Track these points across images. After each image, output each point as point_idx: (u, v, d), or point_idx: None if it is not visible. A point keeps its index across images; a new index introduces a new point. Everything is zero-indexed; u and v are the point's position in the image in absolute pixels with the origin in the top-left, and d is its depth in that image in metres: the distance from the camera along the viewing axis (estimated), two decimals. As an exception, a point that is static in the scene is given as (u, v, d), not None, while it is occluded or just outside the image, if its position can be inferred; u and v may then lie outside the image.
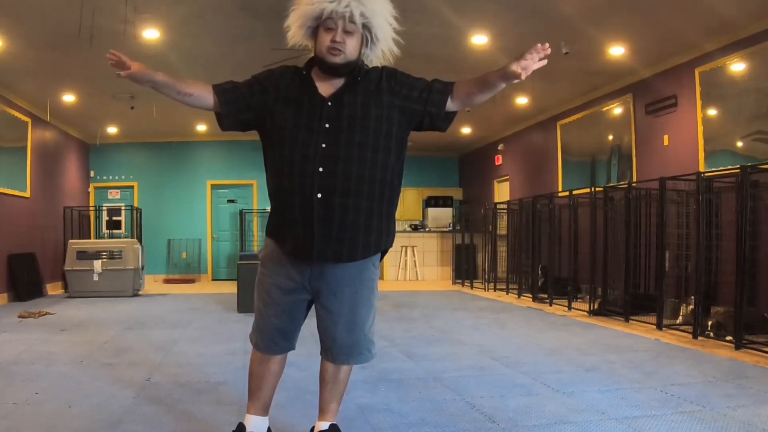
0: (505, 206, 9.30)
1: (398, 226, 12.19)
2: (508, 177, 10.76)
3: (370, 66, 2.08)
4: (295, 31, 2.01)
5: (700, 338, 4.65)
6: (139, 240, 9.77)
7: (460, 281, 10.12)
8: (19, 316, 5.87)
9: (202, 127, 10.51)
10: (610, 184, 7.10)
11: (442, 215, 12.55)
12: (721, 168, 5.30)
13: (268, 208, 2.13)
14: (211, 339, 4.75)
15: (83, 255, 8.09)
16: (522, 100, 8.40)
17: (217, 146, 11.56)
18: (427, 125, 2.07)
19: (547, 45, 1.84)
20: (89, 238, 10.24)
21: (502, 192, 11.07)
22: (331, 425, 2.14)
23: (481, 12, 5.25)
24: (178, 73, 7.12)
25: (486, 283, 9.27)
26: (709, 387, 3.16)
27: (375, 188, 1.97)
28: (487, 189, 11.62)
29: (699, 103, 5.89)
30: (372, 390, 3.14)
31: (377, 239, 2.03)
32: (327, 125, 1.95)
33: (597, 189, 6.45)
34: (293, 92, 2.02)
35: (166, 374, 3.47)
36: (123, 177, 11.43)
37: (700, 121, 5.88)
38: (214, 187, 11.74)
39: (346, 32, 1.94)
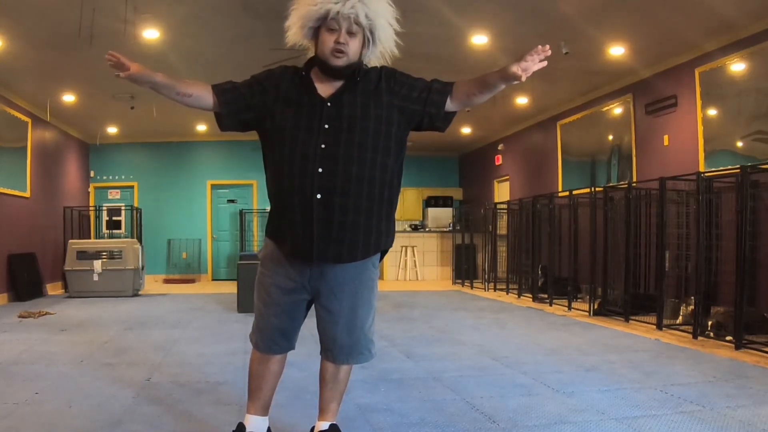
0: (505, 206, 9.30)
1: (398, 226, 12.19)
2: (508, 177, 10.76)
3: (369, 66, 2.08)
4: (295, 31, 2.01)
5: (700, 338, 4.65)
6: (139, 240, 9.77)
7: (460, 281, 10.12)
8: (19, 316, 5.87)
9: (202, 127, 10.51)
10: (610, 184, 7.10)
11: (442, 215, 12.55)
12: (721, 168, 5.30)
13: (268, 208, 2.13)
14: (211, 339, 4.75)
15: (83, 255, 8.09)
16: (522, 100, 8.40)
17: (217, 146, 11.56)
18: (427, 125, 2.07)
19: (547, 47, 1.84)
20: (89, 238, 10.25)
21: (502, 192, 11.07)
22: (331, 425, 2.14)
23: (481, 12, 5.25)
24: (178, 73, 7.14)
25: (486, 283, 9.27)
26: (709, 387, 3.16)
27: (375, 188, 1.97)
28: (487, 189, 11.62)
29: (699, 103, 5.89)
30: (372, 390, 3.14)
31: (377, 239, 2.03)
32: (326, 126, 1.95)
33: (597, 189, 6.45)
34: (293, 93, 2.01)
35: (166, 374, 3.47)
36: (123, 177, 11.43)
37: (700, 121, 5.88)
38: (214, 187, 11.74)
39: (350, 33, 1.94)
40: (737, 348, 4.18)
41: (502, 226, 9.35)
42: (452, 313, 6.40)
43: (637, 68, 6.65)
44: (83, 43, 5.52)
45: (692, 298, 5.04)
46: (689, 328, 4.86)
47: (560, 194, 7.57)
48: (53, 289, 8.78)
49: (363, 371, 3.47)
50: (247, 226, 11.31)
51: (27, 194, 8.13)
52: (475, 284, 9.65)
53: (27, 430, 2.45)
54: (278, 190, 2.01)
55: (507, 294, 8.47)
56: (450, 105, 2.02)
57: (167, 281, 11.03)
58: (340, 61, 1.95)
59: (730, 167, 5.11)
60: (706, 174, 5.11)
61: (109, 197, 11.41)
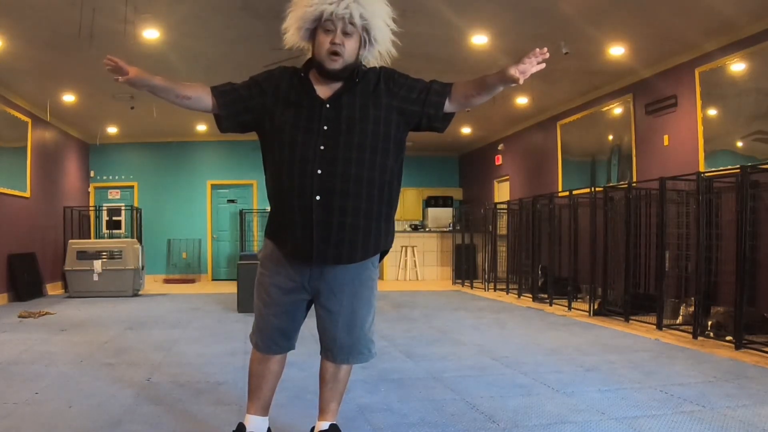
0: (505, 206, 9.30)
1: (398, 226, 12.20)
2: (508, 177, 10.76)
3: (368, 66, 2.08)
4: (292, 33, 2.01)
5: (700, 338, 4.65)
6: (139, 240, 9.77)
7: (460, 281, 10.12)
8: (19, 316, 5.87)
9: (202, 127, 10.51)
10: (610, 184, 7.10)
11: (442, 215, 12.55)
12: (721, 168, 5.30)
13: (268, 209, 2.13)
14: (211, 339, 4.75)
15: (83, 255, 8.09)
16: (522, 100, 8.40)
17: (217, 146, 11.56)
18: (425, 126, 2.07)
19: (545, 49, 1.84)
20: (89, 238, 10.25)
21: (502, 192, 11.07)
22: (331, 425, 2.14)
23: (481, 12, 5.25)
24: (178, 73, 7.15)
25: (486, 283, 9.27)
26: (709, 387, 3.16)
27: (374, 190, 1.97)
28: (487, 189, 11.62)
29: (699, 103, 5.89)
30: (372, 390, 3.14)
31: (376, 240, 2.03)
32: (325, 127, 1.95)
33: (597, 189, 6.45)
34: (292, 94, 2.01)
35: (166, 374, 3.47)
36: (123, 177, 11.43)
37: (700, 121, 5.88)
38: (214, 187, 11.74)
39: (345, 34, 1.94)
40: (737, 348, 4.18)
41: (502, 226, 9.35)
42: (452, 313, 6.40)
43: (637, 68, 6.65)
44: (83, 43, 5.53)
45: (692, 298, 5.04)
46: (689, 328, 4.86)
47: (560, 194, 7.57)
48: (53, 289, 8.78)
49: (363, 371, 3.47)
50: (247, 226, 11.31)
51: (27, 194, 8.13)
52: (475, 284, 9.65)
53: (27, 430, 2.45)
54: (278, 192, 2.01)
55: (507, 294, 8.47)
56: (448, 106, 2.02)
57: (167, 281, 11.03)
58: (336, 64, 1.95)
59: (730, 167, 5.11)
60: (706, 174, 5.11)
61: (109, 197, 11.41)
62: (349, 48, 1.96)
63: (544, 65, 1.87)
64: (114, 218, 10.92)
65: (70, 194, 10.01)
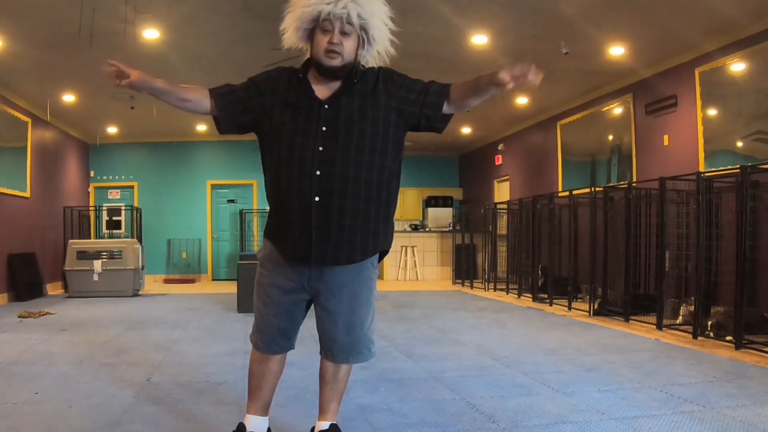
0: (505, 206, 9.30)
1: (398, 226, 12.20)
2: (508, 177, 10.76)
3: (366, 66, 2.08)
4: (291, 33, 2.01)
5: (700, 338, 4.65)
6: (139, 240, 9.77)
7: (460, 281, 10.12)
8: (19, 316, 5.87)
9: (202, 127, 10.51)
10: (610, 184, 7.10)
11: (442, 215, 12.55)
12: (721, 168, 5.30)
13: (268, 209, 2.13)
14: (211, 339, 4.75)
15: (83, 255, 8.09)
16: (522, 100, 8.40)
17: (217, 146, 11.56)
18: (424, 126, 2.07)
19: (540, 74, 1.82)
20: (89, 238, 10.25)
21: (502, 192, 11.07)
22: (332, 425, 2.14)
23: (481, 12, 5.25)
24: (178, 73, 7.14)
25: (486, 283, 9.27)
26: (709, 387, 3.16)
27: (372, 191, 1.98)
28: (487, 189, 11.62)
29: (699, 103, 5.89)
30: (372, 390, 3.14)
31: (374, 241, 2.03)
32: (324, 128, 1.95)
33: (597, 189, 6.45)
34: (291, 95, 2.01)
35: (166, 374, 3.47)
36: (123, 177, 11.43)
37: (700, 121, 5.88)
38: (214, 187, 11.74)
39: (343, 34, 1.94)
40: (737, 348, 4.18)
41: (502, 226, 9.35)
42: (452, 313, 6.40)
43: (637, 68, 6.65)
44: (83, 43, 5.52)
45: (692, 298, 5.04)
46: (689, 328, 4.85)
47: (560, 194, 7.57)
48: (53, 289, 8.78)
49: (363, 371, 3.47)
50: (247, 226, 11.31)
51: (27, 194, 8.13)
52: (475, 284, 9.65)
53: (27, 430, 2.45)
54: (277, 193, 2.02)
55: (507, 294, 8.47)
56: (447, 107, 2.02)
57: (167, 281, 11.03)
58: (334, 62, 1.95)
59: (730, 167, 5.11)
60: (706, 174, 5.11)
61: (109, 197, 11.41)
62: (348, 47, 1.96)
63: (536, 81, 1.83)
64: (114, 218, 10.92)
65: (70, 194, 10.01)
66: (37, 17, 5.11)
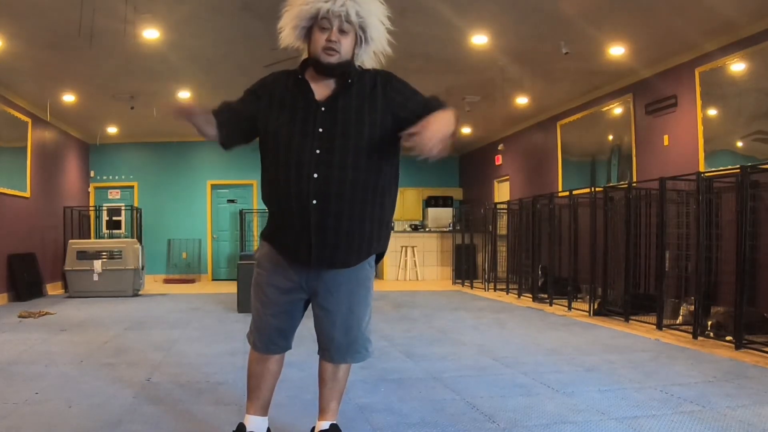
0: (505, 206, 9.30)
1: (398, 226, 12.22)
2: (508, 177, 10.76)
3: (363, 66, 2.08)
4: (288, 32, 2.01)
5: (700, 338, 4.65)
6: (139, 240, 9.77)
7: (460, 281, 10.12)
8: (19, 316, 5.87)
9: (202, 127, 10.49)
10: (610, 184, 7.10)
11: (442, 215, 12.55)
12: (721, 168, 5.30)
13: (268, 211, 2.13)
14: (211, 339, 4.75)
15: (83, 255, 8.09)
16: (522, 100, 8.40)
17: (217, 146, 11.45)
18: None
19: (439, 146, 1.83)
20: (89, 238, 10.25)
21: (502, 192, 11.07)
22: (332, 425, 2.14)
23: (481, 12, 5.25)
24: (178, 73, 7.13)
25: (486, 283, 9.27)
26: (709, 387, 3.16)
27: (369, 194, 1.98)
28: (487, 189, 11.62)
29: (699, 103, 5.89)
30: (372, 390, 3.14)
31: (370, 245, 2.04)
32: (321, 129, 1.94)
33: (597, 189, 6.45)
34: (288, 97, 2.01)
35: (166, 374, 3.47)
36: (123, 177, 11.43)
37: (700, 121, 5.88)
38: (214, 187, 11.74)
39: (341, 32, 1.94)
40: (737, 348, 4.18)
41: (502, 226, 9.35)
42: (452, 313, 6.40)
43: (637, 68, 6.65)
44: (83, 43, 5.53)
45: (692, 298, 5.04)
46: (689, 328, 4.85)
47: (560, 194, 7.57)
48: (53, 289, 8.78)
49: (363, 371, 3.47)
50: (247, 226, 11.31)
51: (27, 194, 8.13)
52: (475, 284, 9.65)
53: (27, 430, 2.45)
54: (274, 195, 2.02)
55: (507, 294, 8.47)
56: None
57: (167, 281, 11.03)
58: (332, 59, 1.95)
59: (730, 167, 5.11)
60: (706, 174, 5.11)
61: (109, 197, 11.41)
62: (345, 46, 1.96)
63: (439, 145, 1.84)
64: (114, 218, 10.92)
65: (70, 194, 10.01)
66: (37, 17, 5.11)
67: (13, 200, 7.72)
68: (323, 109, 1.97)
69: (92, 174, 11.27)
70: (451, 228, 11.67)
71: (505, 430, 2.52)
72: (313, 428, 2.18)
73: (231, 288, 8.16)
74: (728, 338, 4.42)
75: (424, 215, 12.82)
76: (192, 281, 11.12)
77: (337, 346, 2.08)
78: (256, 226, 11.40)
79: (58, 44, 5.78)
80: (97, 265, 8.02)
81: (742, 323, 4.22)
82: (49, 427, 2.48)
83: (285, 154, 1.96)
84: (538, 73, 7.02)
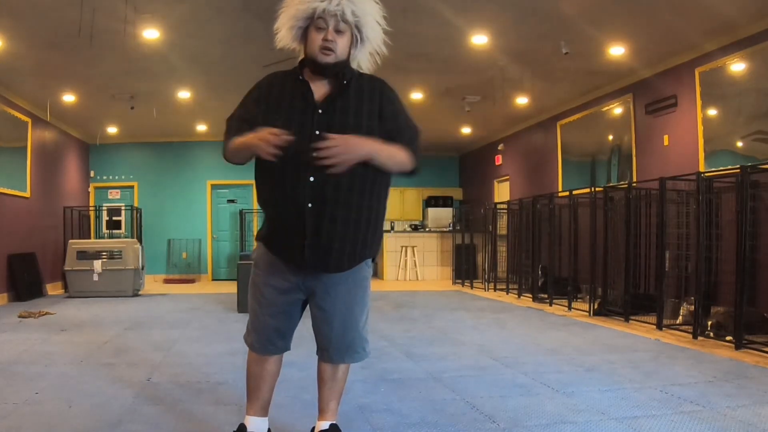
0: (505, 206, 9.30)
1: (398, 226, 12.24)
2: (508, 177, 10.76)
3: (360, 68, 2.07)
4: (284, 33, 2.00)
5: (700, 338, 4.65)
6: (139, 240, 9.77)
7: (460, 281, 10.12)
8: (19, 316, 5.87)
9: (202, 127, 10.51)
10: (610, 184, 7.10)
11: (442, 215, 12.55)
12: (721, 168, 5.30)
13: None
14: (211, 339, 4.75)
15: (83, 255, 8.09)
16: (522, 100, 8.40)
17: (217, 146, 11.40)
18: None
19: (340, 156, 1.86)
20: (89, 238, 10.25)
21: (502, 192, 11.07)
22: (332, 425, 2.14)
23: (481, 12, 5.25)
24: (178, 73, 7.12)
25: (486, 283, 9.27)
26: (709, 387, 3.16)
27: (363, 199, 1.98)
28: (487, 189, 11.62)
29: (699, 103, 5.89)
30: (372, 390, 3.14)
31: (362, 250, 2.03)
32: (318, 132, 1.93)
33: (597, 189, 6.45)
34: (286, 98, 2.00)
35: (166, 374, 3.47)
36: (123, 177, 11.43)
37: (700, 121, 5.88)
38: (214, 187, 11.74)
39: (338, 31, 1.94)
40: (737, 348, 4.18)
41: (502, 226, 9.35)
42: (452, 313, 6.40)
43: (637, 68, 6.66)
44: (83, 43, 5.53)
45: (692, 298, 5.04)
46: (689, 328, 4.86)
47: (560, 194, 7.57)
48: (53, 289, 8.78)
49: (363, 371, 3.47)
50: (247, 226, 11.31)
51: (27, 194, 8.13)
52: (475, 284, 9.65)
53: (27, 430, 2.45)
54: (270, 197, 2.02)
55: (507, 294, 8.47)
56: None
57: (167, 281, 11.03)
58: (328, 58, 1.95)
59: (730, 167, 5.11)
60: (706, 174, 5.11)
61: (109, 197, 11.41)
62: (341, 45, 1.96)
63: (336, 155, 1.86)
64: (114, 218, 10.92)
65: (70, 194, 10.01)
66: (37, 17, 5.11)
67: (13, 200, 7.72)
68: (320, 111, 1.96)
69: (92, 174, 11.27)
70: (451, 228, 11.67)
71: (505, 430, 2.52)
72: (313, 428, 2.18)
73: (231, 288, 8.17)
74: (728, 338, 4.42)
75: (424, 215, 12.83)
76: (192, 281, 11.12)
77: (335, 346, 2.08)
78: (256, 226, 11.40)
79: (58, 44, 5.79)
80: (97, 265, 8.02)
81: (742, 323, 4.22)
82: (49, 427, 2.48)
83: (282, 157, 1.95)
84: (538, 73, 7.02)
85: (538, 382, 3.30)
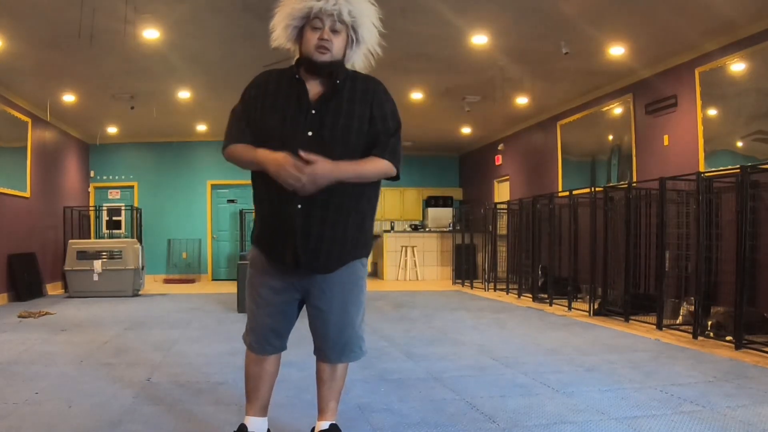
0: (505, 206, 9.30)
1: (398, 226, 12.24)
2: (508, 177, 10.76)
3: (354, 69, 2.07)
4: (279, 32, 2.00)
5: (700, 338, 4.65)
6: (139, 240, 9.77)
7: (460, 281, 10.12)
8: (19, 316, 5.87)
9: (202, 127, 10.51)
10: (610, 184, 7.10)
11: (442, 215, 12.55)
12: (721, 168, 5.30)
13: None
14: (211, 339, 4.75)
15: (83, 255, 8.09)
16: (522, 100, 8.40)
17: (217, 146, 11.23)
18: None
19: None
20: (89, 238, 10.25)
21: (502, 192, 11.07)
22: (332, 425, 2.14)
23: (481, 12, 5.25)
24: (178, 73, 7.11)
25: (486, 283, 9.27)
26: (709, 387, 3.16)
27: (353, 202, 1.98)
28: (487, 189, 11.62)
29: (699, 103, 5.89)
30: (372, 390, 3.14)
31: (351, 251, 2.04)
32: (310, 133, 1.93)
33: (597, 189, 6.45)
34: (280, 98, 1.99)
35: (166, 374, 3.47)
36: (123, 177, 11.43)
37: (700, 121, 5.88)
38: (214, 187, 11.74)
39: (333, 31, 1.94)
40: (737, 348, 4.18)
41: (502, 226, 9.35)
42: (452, 313, 6.40)
43: (637, 68, 6.65)
44: (83, 43, 5.53)
45: (692, 298, 5.04)
46: (689, 328, 4.86)
47: (560, 194, 7.57)
48: (53, 289, 8.78)
49: (363, 371, 3.47)
50: (247, 226, 11.30)
51: (27, 194, 8.13)
52: (475, 284, 9.65)
53: (27, 430, 2.45)
54: (263, 198, 2.03)
55: (507, 294, 8.47)
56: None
57: (167, 281, 11.03)
58: (324, 57, 1.94)
59: (730, 167, 5.11)
60: (706, 174, 5.11)
61: (109, 197, 11.41)
62: (337, 45, 1.96)
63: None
64: (114, 218, 10.92)
65: (70, 194, 10.01)
66: (37, 17, 5.11)
67: (13, 200, 7.72)
68: (313, 111, 1.96)
69: (92, 174, 11.27)
70: (451, 228, 11.67)
71: (505, 430, 2.52)
72: (313, 428, 2.18)
73: (231, 288, 8.17)
74: (728, 338, 4.42)
75: (424, 215, 12.83)
76: (192, 281, 11.12)
77: (332, 346, 2.08)
78: (256, 226, 11.39)
79: (58, 44, 5.78)
80: (97, 265, 8.02)
81: (742, 323, 4.22)
82: (49, 427, 2.48)
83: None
84: (538, 73, 7.02)
85: (538, 382, 3.30)
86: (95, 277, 8.01)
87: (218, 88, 7.61)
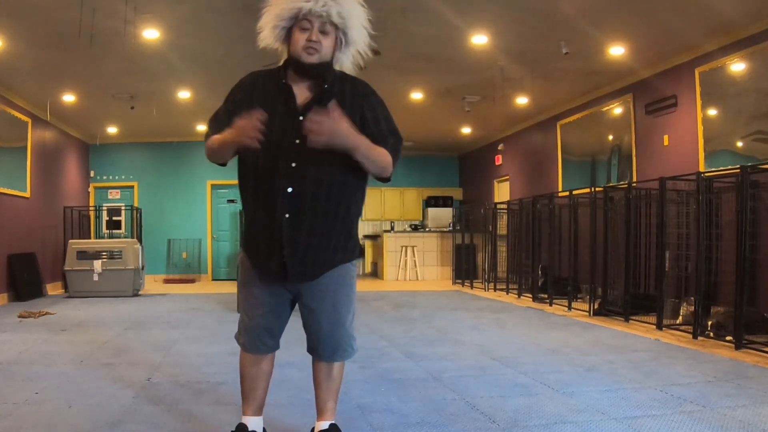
0: (505, 206, 9.30)
1: (398, 226, 12.25)
2: (508, 177, 10.76)
3: (343, 71, 2.05)
4: (267, 32, 1.97)
5: (700, 338, 4.65)
6: (139, 240, 9.77)
7: (460, 281, 10.12)
8: (19, 316, 5.87)
9: (202, 127, 10.50)
10: (610, 184, 7.10)
11: (442, 215, 12.55)
12: (721, 168, 5.31)
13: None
14: (211, 339, 4.75)
15: (83, 255, 8.09)
16: (522, 100, 8.40)
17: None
18: None
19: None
20: (89, 238, 10.25)
21: (502, 192, 11.07)
22: (331, 425, 2.14)
23: (481, 12, 5.25)
24: (177, 73, 7.11)
25: (486, 283, 9.27)
26: (709, 387, 3.16)
27: (340, 209, 1.97)
28: (487, 189, 11.62)
29: (699, 103, 5.89)
30: (372, 390, 3.14)
31: (340, 255, 2.03)
32: (298, 141, 1.89)
33: (597, 189, 6.45)
34: (268, 103, 1.93)
35: (166, 374, 3.47)
36: (123, 177, 11.43)
37: (700, 121, 5.88)
38: (214, 187, 11.74)
39: (322, 32, 1.92)
40: (737, 348, 4.18)
41: (502, 226, 9.35)
42: (452, 313, 6.40)
43: (637, 68, 6.65)
44: (83, 43, 5.53)
45: (692, 298, 5.04)
46: (689, 328, 4.86)
47: (560, 194, 7.57)
48: (53, 289, 8.78)
49: (363, 371, 3.47)
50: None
51: (27, 194, 8.13)
52: (475, 284, 9.65)
53: (27, 430, 2.45)
54: (249, 206, 2.03)
55: (507, 294, 8.47)
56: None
57: (167, 281, 11.03)
58: (312, 58, 1.92)
59: (730, 167, 5.11)
60: (706, 174, 5.11)
61: (109, 197, 11.41)
62: (326, 46, 1.93)
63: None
64: (114, 218, 10.92)
65: (70, 194, 10.01)
66: (37, 17, 5.11)
67: (13, 200, 7.72)
68: (301, 118, 1.89)
69: (92, 174, 11.27)
70: (451, 228, 11.67)
71: (505, 430, 2.52)
72: (313, 429, 2.18)
73: (231, 288, 8.17)
74: (728, 338, 4.42)
75: (424, 215, 12.83)
76: (192, 281, 11.12)
77: (324, 345, 2.09)
78: (256, 226, 11.39)
79: (58, 44, 5.78)
80: (97, 265, 8.02)
81: (742, 323, 4.22)
82: (48, 427, 2.48)
83: (262, 164, 1.93)
84: (538, 73, 7.02)
85: (538, 382, 3.30)
86: (95, 277, 8.01)
87: (218, 88, 7.57)
